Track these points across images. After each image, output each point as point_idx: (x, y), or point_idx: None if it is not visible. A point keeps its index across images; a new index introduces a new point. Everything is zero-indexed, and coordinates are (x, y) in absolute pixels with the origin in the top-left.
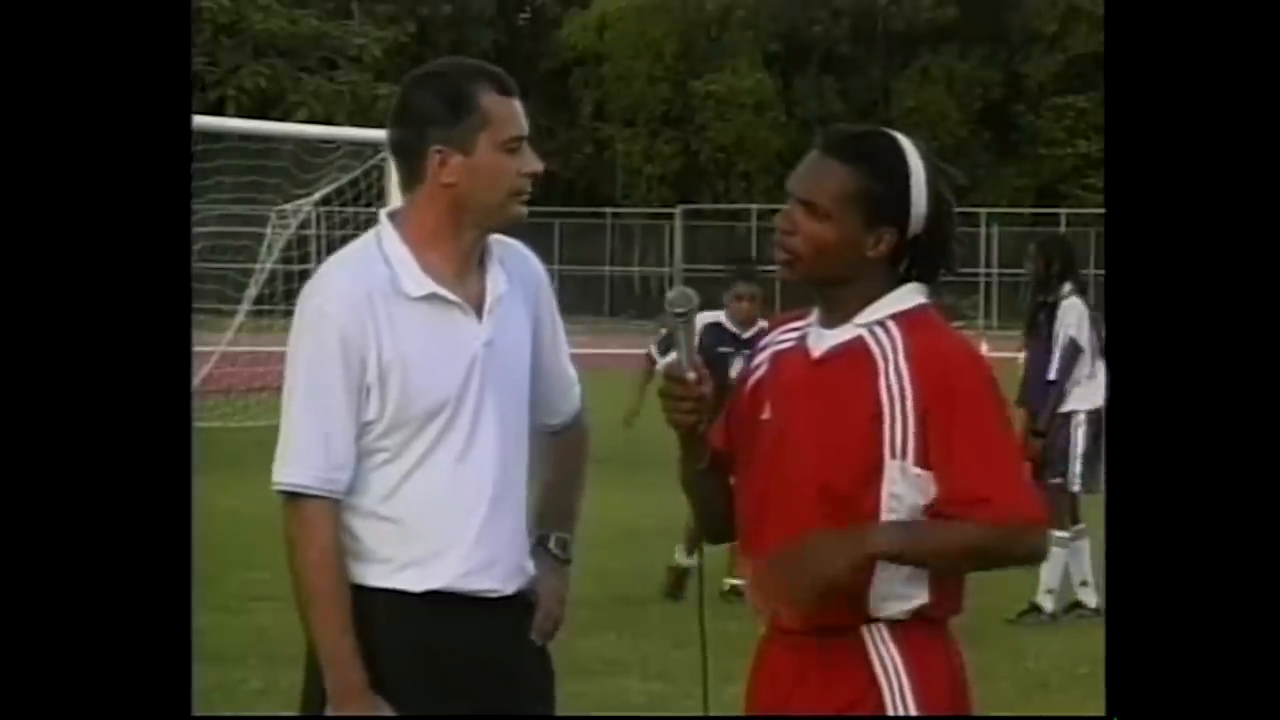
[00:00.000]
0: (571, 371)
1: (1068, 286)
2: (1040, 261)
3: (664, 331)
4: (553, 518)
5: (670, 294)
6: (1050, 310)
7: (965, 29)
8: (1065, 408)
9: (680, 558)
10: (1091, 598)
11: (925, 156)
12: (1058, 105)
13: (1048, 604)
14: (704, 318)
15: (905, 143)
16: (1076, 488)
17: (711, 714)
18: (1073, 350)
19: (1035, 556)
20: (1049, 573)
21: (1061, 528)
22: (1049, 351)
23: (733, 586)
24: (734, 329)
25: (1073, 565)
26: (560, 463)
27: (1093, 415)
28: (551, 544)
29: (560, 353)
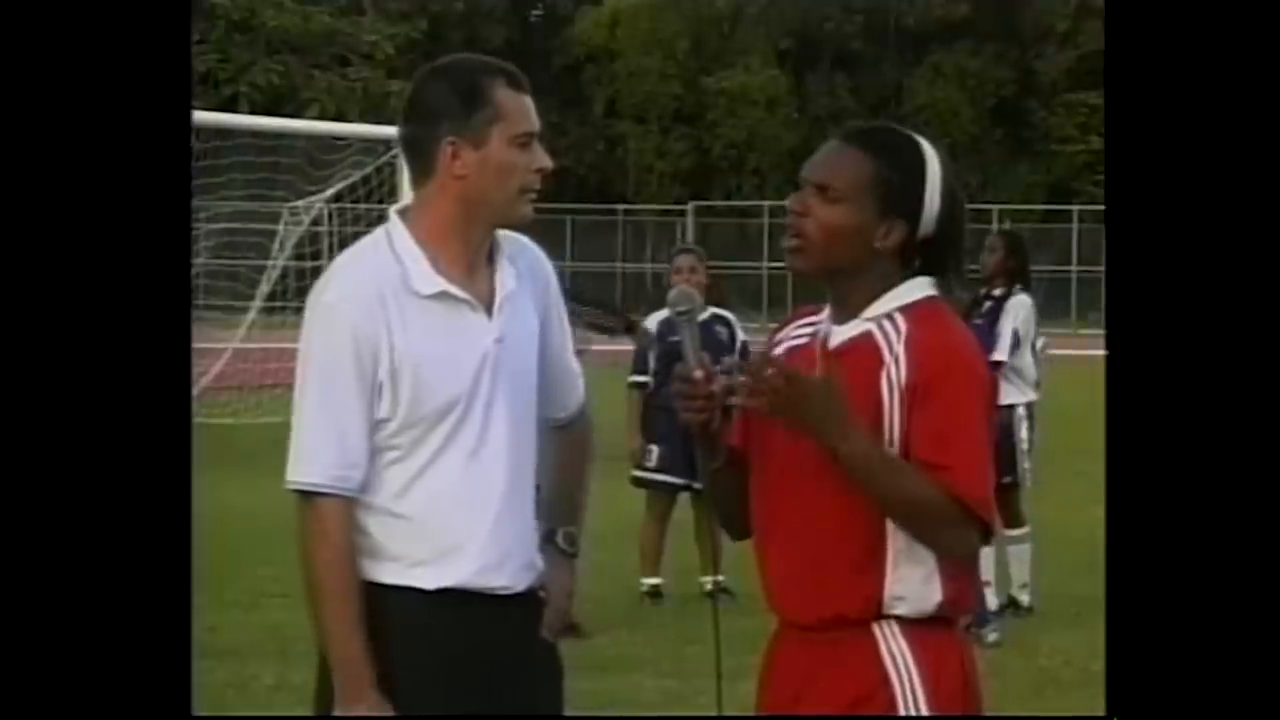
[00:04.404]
0: (576, 367)
1: (1018, 285)
2: (1001, 254)
3: (643, 341)
4: (560, 512)
5: (671, 294)
6: (996, 305)
7: (977, 26)
8: (1004, 400)
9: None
10: (1026, 597)
11: (943, 159)
12: (1070, 102)
13: (1024, 597)
14: (658, 318)
15: (924, 143)
16: (1029, 483)
17: (724, 712)
18: (1015, 341)
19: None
20: (1019, 567)
21: (1017, 525)
22: (990, 344)
23: (715, 584)
24: None
25: (1016, 566)
26: (566, 458)
27: (1029, 408)
28: (559, 539)
29: (566, 348)
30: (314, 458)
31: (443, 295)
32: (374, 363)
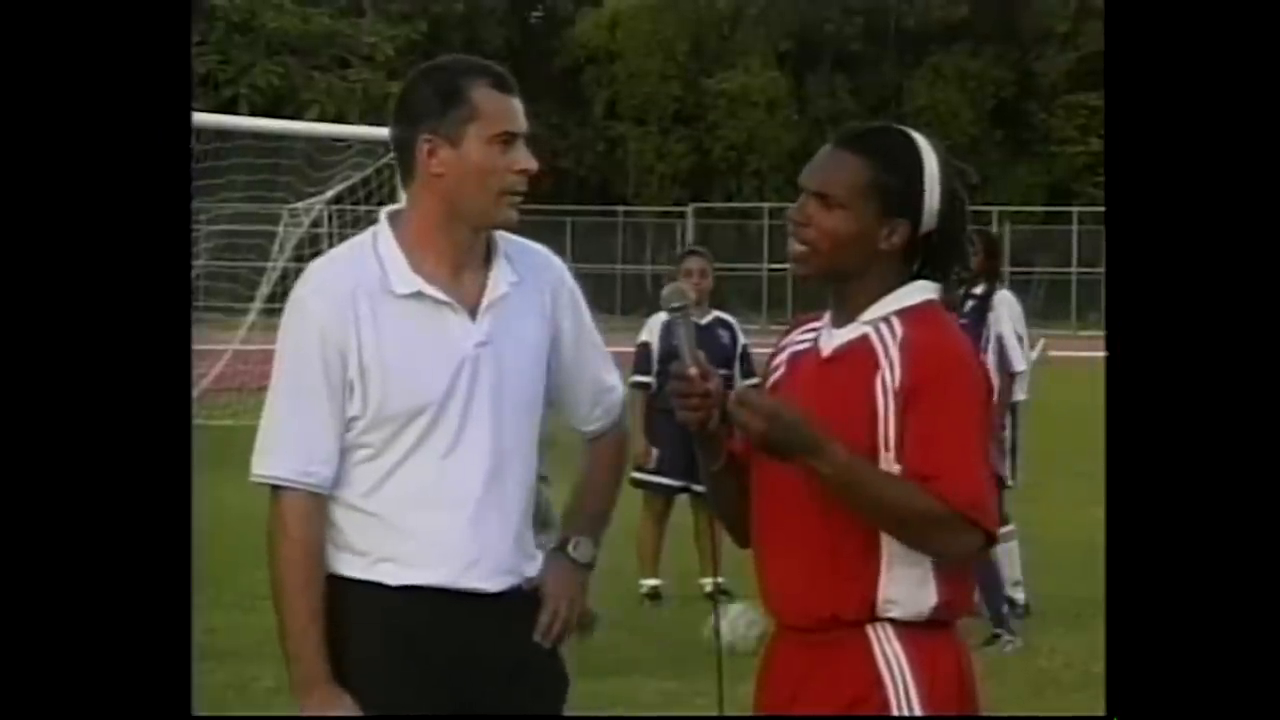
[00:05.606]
0: (608, 379)
1: (997, 283)
2: (983, 255)
3: (643, 341)
4: (578, 521)
5: (665, 290)
6: (981, 303)
7: (977, 27)
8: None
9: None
10: (1022, 595)
11: (939, 153)
12: (1070, 103)
13: (1019, 595)
14: (662, 318)
15: (919, 138)
16: (1011, 482)
17: (725, 713)
18: (1018, 343)
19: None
20: (1010, 566)
21: (1003, 524)
22: (979, 344)
23: (715, 585)
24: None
25: (1005, 565)
26: (592, 468)
27: (1013, 408)
28: (570, 547)
29: (588, 359)
30: (278, 452)
31: (419, 295)
32: (342, 360)
